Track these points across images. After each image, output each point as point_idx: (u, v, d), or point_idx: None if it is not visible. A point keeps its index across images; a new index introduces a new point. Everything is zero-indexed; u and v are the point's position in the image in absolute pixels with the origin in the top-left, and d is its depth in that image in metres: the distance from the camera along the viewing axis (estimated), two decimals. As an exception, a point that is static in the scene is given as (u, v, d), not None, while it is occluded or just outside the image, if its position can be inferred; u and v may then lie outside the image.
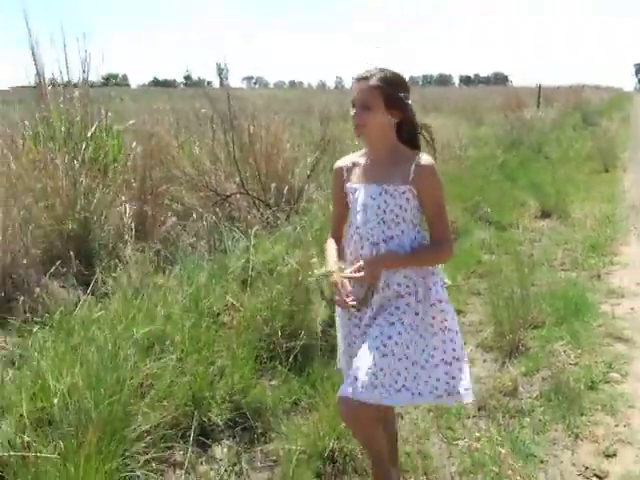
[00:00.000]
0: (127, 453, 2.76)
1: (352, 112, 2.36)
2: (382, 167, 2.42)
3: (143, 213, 4.69)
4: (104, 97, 7.26)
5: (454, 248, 2.53)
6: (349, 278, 2.35)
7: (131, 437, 2.81)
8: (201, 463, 3.11)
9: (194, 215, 4.79)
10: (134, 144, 5.16)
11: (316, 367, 3.81)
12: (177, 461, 3.04)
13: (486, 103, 16.88)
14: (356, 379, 2.24)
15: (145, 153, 5.01)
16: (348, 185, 2.51)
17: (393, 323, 2.34)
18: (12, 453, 2.55)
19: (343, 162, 2.57)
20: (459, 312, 5.11)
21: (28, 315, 3.52)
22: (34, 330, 3.32)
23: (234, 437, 3.29)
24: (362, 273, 2.32)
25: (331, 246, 2.61)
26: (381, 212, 2.39)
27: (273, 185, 5.21)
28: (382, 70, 2.36)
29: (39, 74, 4.99)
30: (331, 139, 6.21)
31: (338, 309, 2.58)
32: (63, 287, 3.75)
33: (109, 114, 5.11)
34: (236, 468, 3.13)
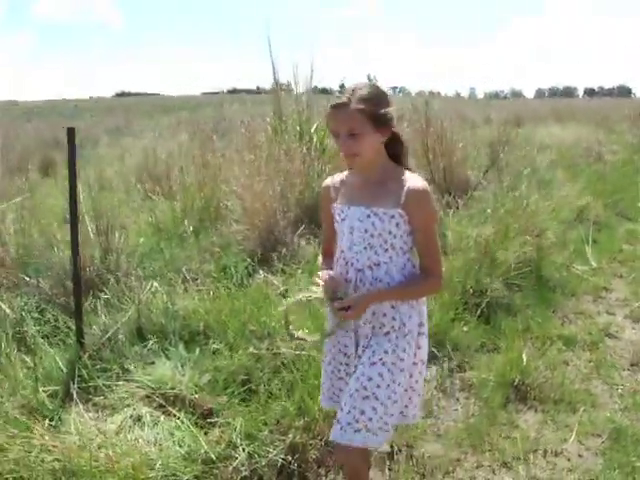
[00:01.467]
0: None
1: (337, 142, 1.91)
2: (371, 187, 1.97)
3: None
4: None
5: (442, 282, 2.08)
6: (337, 310, 1.94)
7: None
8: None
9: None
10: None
11: (498, 319, 4.18)
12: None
13: (616, 113, 16.18)
14: (338, 422, 1.96)
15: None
16: (334, 205, 2.05)
17: (374, 363, 1.96)
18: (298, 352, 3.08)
19: (331, 180, 2.11)
20: (605, 289, 5.26)
21: (287, 261, 4.11)
22: (296, 272, 3.89)
23: (436, 365, 3.70)
24: (349, 311, 1.89)
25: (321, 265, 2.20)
26: (368, 236, 1.96)
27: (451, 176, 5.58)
28: (359, 88, 1.88)
29: (276, 81, 5.62)
30: (508, 140, 6.42)
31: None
32: (308, 243, 4.34)
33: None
34: (442, 387, 3.56)
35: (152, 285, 3.33)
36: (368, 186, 1.98)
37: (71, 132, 2.83)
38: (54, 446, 2.19)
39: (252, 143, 5.16)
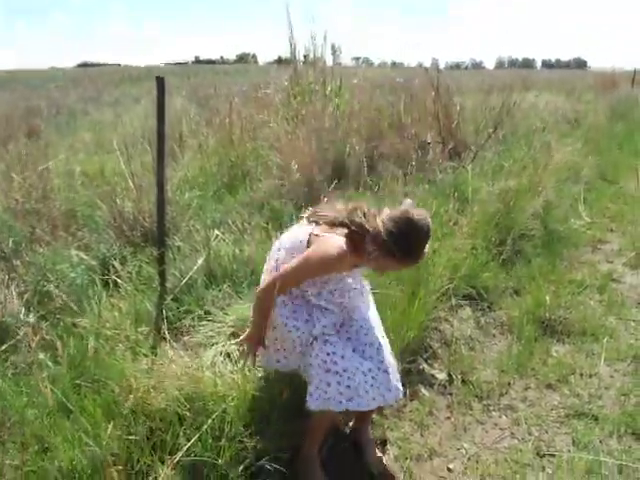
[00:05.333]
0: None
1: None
2: None
3: (371, 151, 5.41)
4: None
5: None
6: None
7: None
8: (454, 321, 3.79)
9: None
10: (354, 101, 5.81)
11: (517, 266, 4.50)
12: (441, 316, 3.73)
13: (579, 83, 16.70)
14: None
15: (363, 107, 5.70)
16: None
17: None
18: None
19: None
20: (600, 241, 5.64)
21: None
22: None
23: (470, 306, 3.97)
24: None
25: None
26: None
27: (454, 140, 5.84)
28: None
29: (292, 52, 5.75)
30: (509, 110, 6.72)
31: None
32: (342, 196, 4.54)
33: (341, 78, 5.78)
34: (479, 325, 3.85)
35: (215, 234, 3.46)
36: None
37: (160, 81, 2.97)
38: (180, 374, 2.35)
39: (269, 104, 5.30)
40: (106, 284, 3.03)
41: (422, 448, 2.68)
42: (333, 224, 2.22)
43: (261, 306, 2.27)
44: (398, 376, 2.42)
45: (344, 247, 2.14)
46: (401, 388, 2.39)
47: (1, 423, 2.22)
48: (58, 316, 2.55)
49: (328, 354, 2.24)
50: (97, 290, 2.80)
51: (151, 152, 6.28)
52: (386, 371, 2.34)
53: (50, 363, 2.35)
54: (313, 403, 2.24)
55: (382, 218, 2.15)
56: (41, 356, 2.19)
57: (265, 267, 2.46)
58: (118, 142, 4.54)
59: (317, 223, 2.30)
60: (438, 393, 3.13)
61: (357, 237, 2.16)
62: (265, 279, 2.35)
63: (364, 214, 2.20)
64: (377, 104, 6.09)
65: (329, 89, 5.58)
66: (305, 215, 2.44)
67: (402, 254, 2.12)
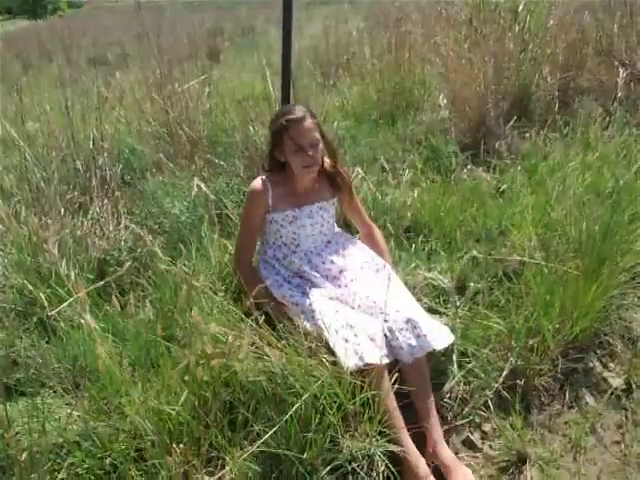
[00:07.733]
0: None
1: (300, 155, 2.20)
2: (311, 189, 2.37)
3: (567, 83, 4.50)
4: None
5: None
6: None
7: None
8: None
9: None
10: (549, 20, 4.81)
11: None
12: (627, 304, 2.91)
13: None
14: None
15: (561, 27, 4.70)
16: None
17: None
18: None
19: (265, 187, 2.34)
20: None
21: (501, 155, 3.60)
22: (511, 168, 3.40)
23: None
24: None
25: None
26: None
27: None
28: (303, 105, 2.33)
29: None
30: None
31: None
32: (522, 137, 3.85)
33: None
34: None
35: (357, 172, 2.99)
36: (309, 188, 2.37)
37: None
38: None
39: (450, 23, 4.58)
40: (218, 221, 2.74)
41: (573, 478, 2.08)
42: None
43: (244, 283, 2.15)
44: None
45: (260, 177, 2.33)
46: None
47: (78, 371, 2.05)
48: (154, 258, 2.29)
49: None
50: (203, 229, 2.51)
51: (316, 75, 5.98)
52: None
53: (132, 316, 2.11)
54: (349, 361, 1.91)
55: None
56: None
57: None
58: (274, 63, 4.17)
59: None
60: (609, 405, 2.42)
61: (275, 169, 2.34)
62: None
63: None
64: (581, 24, 5.00)
65: (522, 4, 4.64)
66: None
67: (285, 122, 2.20)
